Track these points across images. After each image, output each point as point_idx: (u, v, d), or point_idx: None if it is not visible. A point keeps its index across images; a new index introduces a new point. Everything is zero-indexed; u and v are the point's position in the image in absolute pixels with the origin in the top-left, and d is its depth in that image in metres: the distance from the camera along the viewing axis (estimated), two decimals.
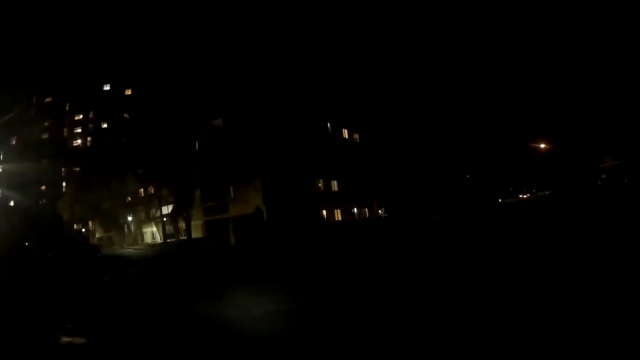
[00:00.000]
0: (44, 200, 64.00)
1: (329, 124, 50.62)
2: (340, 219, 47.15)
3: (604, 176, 55.78)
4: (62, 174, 65.55)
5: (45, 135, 73.31)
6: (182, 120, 46.19)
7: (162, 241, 47.55)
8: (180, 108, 47.22)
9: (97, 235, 58.50)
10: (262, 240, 34.89)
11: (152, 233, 54.31)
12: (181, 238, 44.52)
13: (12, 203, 58.18)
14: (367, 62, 54.50)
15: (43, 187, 65.65)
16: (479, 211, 37.92)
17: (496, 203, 49.16)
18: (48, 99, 75.21)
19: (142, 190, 53.80)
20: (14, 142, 70.87)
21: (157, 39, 54.01)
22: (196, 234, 44.09)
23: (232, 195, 43.68)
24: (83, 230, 59.13)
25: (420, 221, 38.02)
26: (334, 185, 48.67)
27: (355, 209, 50.97)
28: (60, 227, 53.95)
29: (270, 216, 40.12)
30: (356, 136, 55.44)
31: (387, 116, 56.84)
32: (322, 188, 46.73)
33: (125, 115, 58.99)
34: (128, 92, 65.75)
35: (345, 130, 53.43)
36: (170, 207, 47.88)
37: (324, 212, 45.29)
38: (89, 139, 68.65)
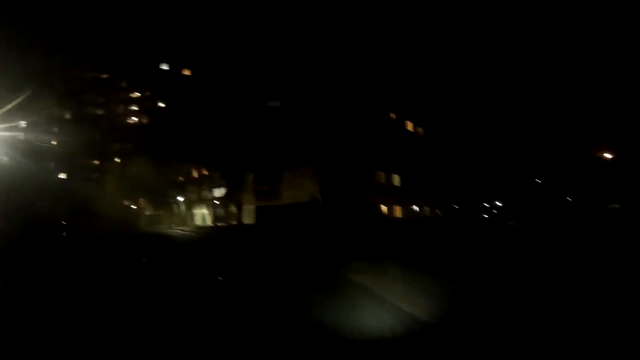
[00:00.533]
0: (96, 175, 63.95)
1: (392, 114, 47.81)
2: (400, 215, 44.36)
3: None
4: (115, 150, 65.27)
5: (100, 111, 73.47)
6: (237, 102, 44.67)
7: (212, 224, 46.27)
8: (236, 89, 45.69)
9: (147, 213, 57.86)
10: (318, 232, 32.55)
11: (202, 215, 53.22)
12: (231, 222, 42.87)
13: (62, 176, 58.60)
14: (440, 57, 51.07)
15: (96, 162, 65.63)
16: (569, 220, 34.01)
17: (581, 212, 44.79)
18: (105, 76, 75.35)
19: (194, 171, 52.87)
20: (68, 116, 71.39)
21: (214, 17, 52.30)
22: (247, 219, 42.35)
23: (285, 182, 41.59)
24: (133, 207, 58.56)
25: (494, 226, 34.74)
26: (395, 179, 45.88)
27: (416, 206, 48.03)
28: (104, 202, 53.55)
29: (326, 207, 37.86)
30: (420, 130, 52.38)
31: (454, 112, 53.40)
32: (382, 181, 44.06)
33: (181, 95, 58.43)
34: (185, 72, 64.81)
35: (410, 123, 50.46)
36: (222, 190, 46.39)
37: (384, 207, 42.61)
38: (144, 117, 68.34)
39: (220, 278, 13.33)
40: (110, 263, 17.86)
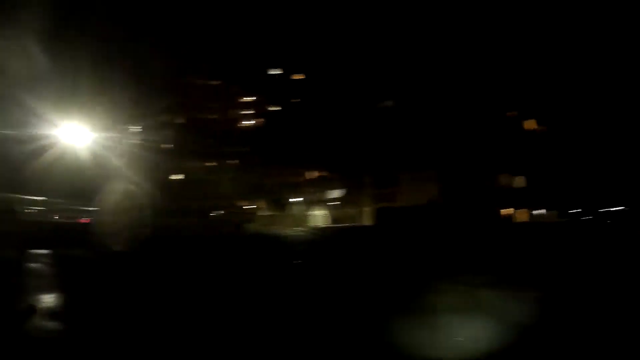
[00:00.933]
0: (211, 176, 67.15)
1: (512, 112, 46.54)
2: (523, 220, 43.09)
3: None
4: (230, 152, 68.21)
5: (213, 116, 77.21)
6: (351, 102, 45.61)
7: (328, 225, 47.49)
8: (349, 89, 46.65)
9: (263, 214, 60.27)
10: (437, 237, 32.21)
11: (318, 216, 54.52)
12: (349, 224, 43.83)
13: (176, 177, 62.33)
14: (562, 56, 48.99)
15: (211, 164, 69.10)
16: None
17: None
18: (216, 82, 79.15)
19: (310, 172, 54.51)
20: (182, 121, 75.43)
21: (325, 19, 53.55)
22: (365, 221, 43.10)
23: (403, 184, 41.97)
24: (248, 207, 61.09)
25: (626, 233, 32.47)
26: (517, 181, 44.61)
27: (539, 211, 46.31)
28: (218, 203, 56.31)
29: (446, 210, 37.62)
30: (543, 128, 50.39)
31: (579, 106, 50.65)
32: (504, 184, 43.05)
33: (292, 98, 60.59)
34: (296, 76, 66.98)
35: (531, 121, 48.79)
36: (339, 192, 47.58)
37: (507, 211, 41.61)
38: (257, 120, 71.13)
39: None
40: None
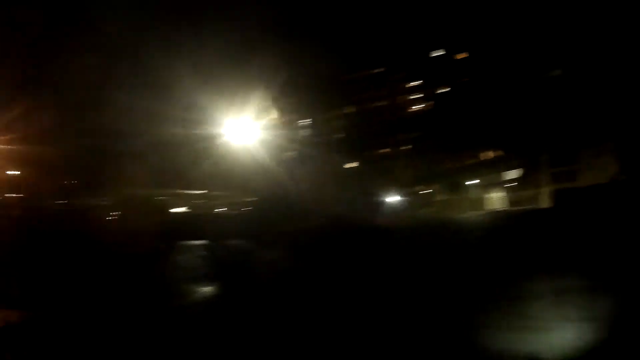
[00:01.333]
0: (384, 163, 70.21)
1: None
2: None
3: None
4: (401, 138, 70.67)
5: (381, 103, 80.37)
6: (520, 76, 44.99)
7: (506, 209, 47.80)
8: (517, 62, 45.96)
9: (438, 198, 61.97)
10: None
11: (495, 199, 54.70)
12: (527, 207, 43.74)
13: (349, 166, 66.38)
14: None
15: (383, 151, 72.28)
16: None
17: None
18: (380, 70, 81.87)
19: (484, 153, 54.86)
20: (351, 111, 79.62)
21: None
22: (543, 203, 42.80)
23: (585, 162, 40.66)
24: (422, 192, 63.01)
25: None
26: None
27: None
28: (392, 189, 58.73)
29: (630, 189, 35.87)
30: None
31: None
32: None
33: (459, 79, 61.09)
34: (459, 55, 67.15)
35: None
36: (516, 172, 47.62)
37: None
38: (426, 104, 72.75)
39: None
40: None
